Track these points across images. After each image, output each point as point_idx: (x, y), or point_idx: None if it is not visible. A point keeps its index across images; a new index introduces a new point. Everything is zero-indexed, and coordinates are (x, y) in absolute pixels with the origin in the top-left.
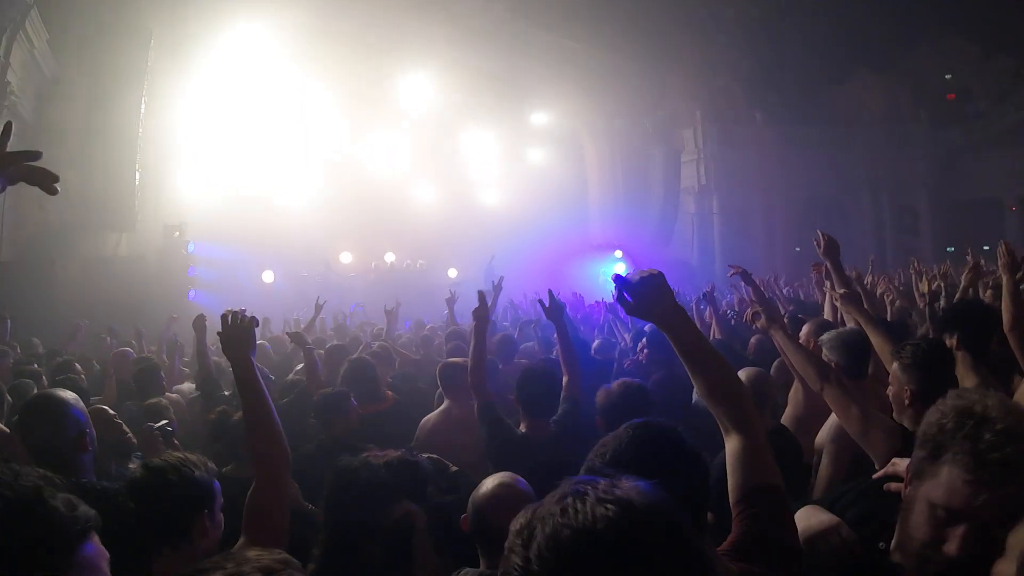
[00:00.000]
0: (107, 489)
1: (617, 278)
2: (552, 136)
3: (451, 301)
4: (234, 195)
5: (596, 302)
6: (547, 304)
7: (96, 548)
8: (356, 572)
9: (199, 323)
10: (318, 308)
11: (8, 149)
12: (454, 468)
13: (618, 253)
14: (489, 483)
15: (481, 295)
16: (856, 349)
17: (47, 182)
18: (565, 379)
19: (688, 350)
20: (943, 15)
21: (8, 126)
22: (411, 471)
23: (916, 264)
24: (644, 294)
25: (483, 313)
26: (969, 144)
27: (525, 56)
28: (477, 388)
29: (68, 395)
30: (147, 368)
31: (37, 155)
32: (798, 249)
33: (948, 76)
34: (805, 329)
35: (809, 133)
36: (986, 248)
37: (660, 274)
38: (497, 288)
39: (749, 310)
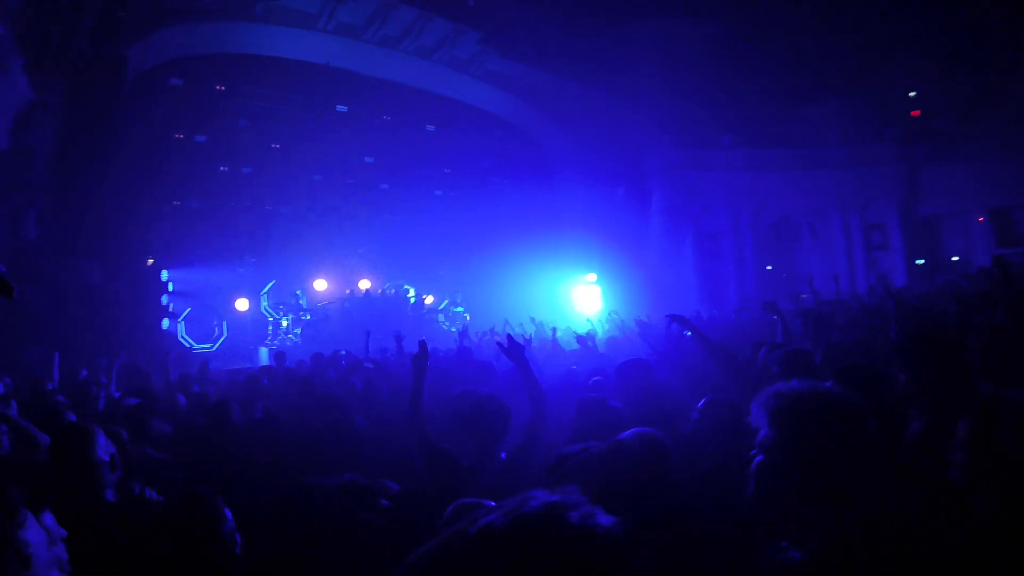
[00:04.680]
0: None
1: None
2: (523, 163)
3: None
4: (209, 222)
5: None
6: (506, 346)
7: None
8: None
9: None
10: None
11: None
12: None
13: (591, 277)
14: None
15: (422, 344)
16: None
17: (7, 292)
18: (530, 414)
19: None
20: (905, 34)
21: None
22: (358, 488)
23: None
24: None
25: (423, 360)
26: (935, 159)
27: (497, 86)
28: (414, 425)
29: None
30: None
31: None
32: (769, 268)
33: (912, 94)
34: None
35: (777, 155)
36: (955, 259)
37: None
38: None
39: None
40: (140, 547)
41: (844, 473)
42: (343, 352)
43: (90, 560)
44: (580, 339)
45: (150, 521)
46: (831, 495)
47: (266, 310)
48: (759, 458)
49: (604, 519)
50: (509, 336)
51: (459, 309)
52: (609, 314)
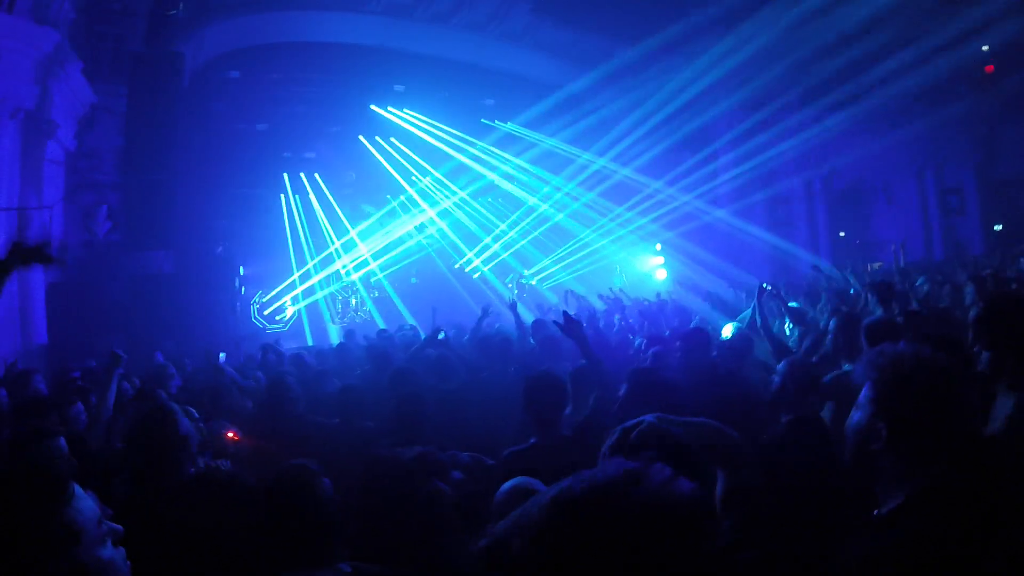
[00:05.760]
0: None
1: None
2: (583, 131)
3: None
4: (276, 207)
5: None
6: (563, 324)
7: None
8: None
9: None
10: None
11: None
12: (490, 462)
13: (658, 246)
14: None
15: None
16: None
17: (46, 259)
18: (596, 389)
19: None
20: None
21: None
22: (431, 460)
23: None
24: None
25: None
26: (1012, 118)
27: (553, 55)
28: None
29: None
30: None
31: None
32: (842, 234)
33: (985, 48)
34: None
35: (847, 117)
36: None
37: None
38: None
39: None
40: (227, 518)
41: (937, 433)
42: (408, 327)
43: (174, 529)
44: (643, 311)
45: (233, 493)
46: (922, 454)
47: (335, 290)
48: (858, 414)
49: (685, 485)
50: (565, 313)
51: (526, 281)
52: (674, 284)
